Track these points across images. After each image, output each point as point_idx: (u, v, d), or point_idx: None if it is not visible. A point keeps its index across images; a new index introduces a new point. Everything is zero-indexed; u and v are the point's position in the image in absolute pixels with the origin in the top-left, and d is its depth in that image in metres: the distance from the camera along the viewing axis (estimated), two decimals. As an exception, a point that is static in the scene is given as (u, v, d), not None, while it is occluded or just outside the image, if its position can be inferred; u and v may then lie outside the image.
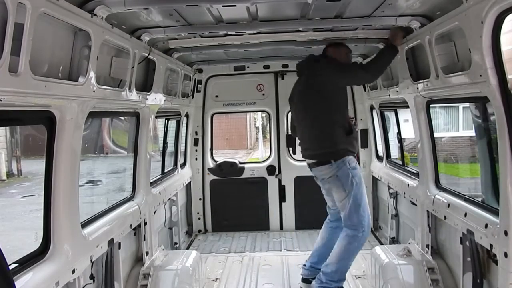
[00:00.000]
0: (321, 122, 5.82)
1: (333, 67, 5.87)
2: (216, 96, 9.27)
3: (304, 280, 6.26)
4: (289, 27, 5.57)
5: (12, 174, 20.50)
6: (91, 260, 4.26)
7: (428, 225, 5.62)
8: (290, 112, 9.33)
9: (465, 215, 4.51)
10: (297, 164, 9.23)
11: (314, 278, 6.10)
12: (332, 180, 5.78)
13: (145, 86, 5.81)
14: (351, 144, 5.82)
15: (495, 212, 3.98)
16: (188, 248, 8.43)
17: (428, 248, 5.60)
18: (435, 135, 5.86)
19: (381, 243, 7.96)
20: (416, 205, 6.03)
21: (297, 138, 6.72)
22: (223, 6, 4.49)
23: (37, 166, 16.37)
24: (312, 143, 5.97)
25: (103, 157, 19.28)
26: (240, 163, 9.53)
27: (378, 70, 5.82)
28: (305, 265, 6.30)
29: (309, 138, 6.03)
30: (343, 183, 5.69)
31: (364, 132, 9.00)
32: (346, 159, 5.69)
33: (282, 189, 9.34)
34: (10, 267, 3.18)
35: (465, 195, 4.89)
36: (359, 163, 8.93)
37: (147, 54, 5.41)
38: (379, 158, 8.59)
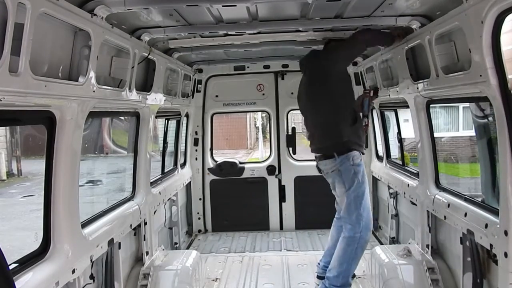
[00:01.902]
0: (326, 112, 5.86)
1: (330, 52, 5.93)
2: (216, 96, 9.28)
3: (318, 277, 6.37)
4: (289, 27, 5.57)
5: (12, 174, 20.49)
6: (91, 260, 4.26)
7: (428, 225, 5.62)
8: (290, 112, 9.43)
9: (465, 215, 4.51)
10: (297, 164, 9.23)
11: None
12: (334, 174, 5.80)
13: (145, 86, 5.81)
14: (357, 134, 5.77)
15: (495, 212, 3.98)
16: (188, 248, 8.43)
17: (428, 248, 5.60)
18: (435, 135, 5.86)
19: (381, 243, 7.96)
20: (416, 205, 6.03)
21: (306, 137, 6.67)
22: (223, 6, 4.50)
23: (37, 166, 16.36)
24: (318, 136, 6.01)
25: (103, 157, 19.26)
26: (240, 163, 9.53)
27: (370, 40, 5.75)
28: (319, 263, 6.42)
29: (316, 131, 6.06)
30: (344, 179, 5.69)
31: None
32: (350, 154, 5.67)
33: (282, 189, 9.34)
34: (10, 267, 3.18)
35: (465, 195, 4.88)
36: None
37: (147, 54, 5.41)
38: (379, 158, 8.58)
